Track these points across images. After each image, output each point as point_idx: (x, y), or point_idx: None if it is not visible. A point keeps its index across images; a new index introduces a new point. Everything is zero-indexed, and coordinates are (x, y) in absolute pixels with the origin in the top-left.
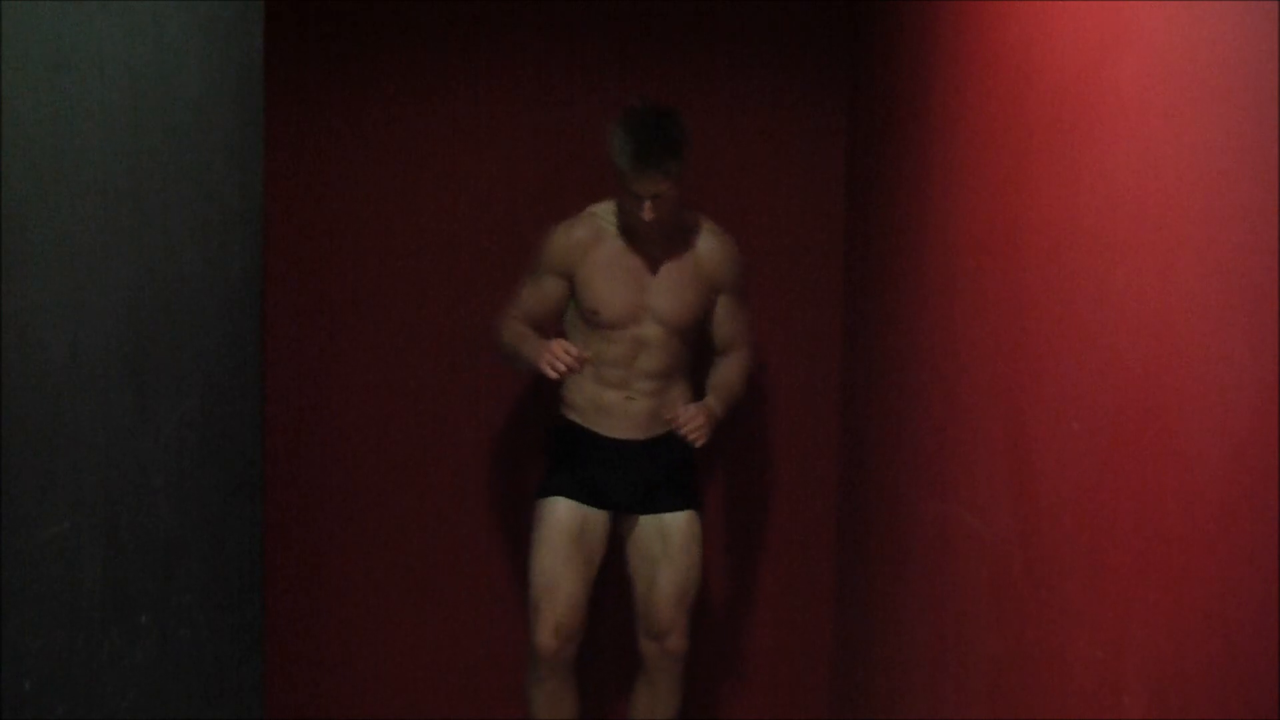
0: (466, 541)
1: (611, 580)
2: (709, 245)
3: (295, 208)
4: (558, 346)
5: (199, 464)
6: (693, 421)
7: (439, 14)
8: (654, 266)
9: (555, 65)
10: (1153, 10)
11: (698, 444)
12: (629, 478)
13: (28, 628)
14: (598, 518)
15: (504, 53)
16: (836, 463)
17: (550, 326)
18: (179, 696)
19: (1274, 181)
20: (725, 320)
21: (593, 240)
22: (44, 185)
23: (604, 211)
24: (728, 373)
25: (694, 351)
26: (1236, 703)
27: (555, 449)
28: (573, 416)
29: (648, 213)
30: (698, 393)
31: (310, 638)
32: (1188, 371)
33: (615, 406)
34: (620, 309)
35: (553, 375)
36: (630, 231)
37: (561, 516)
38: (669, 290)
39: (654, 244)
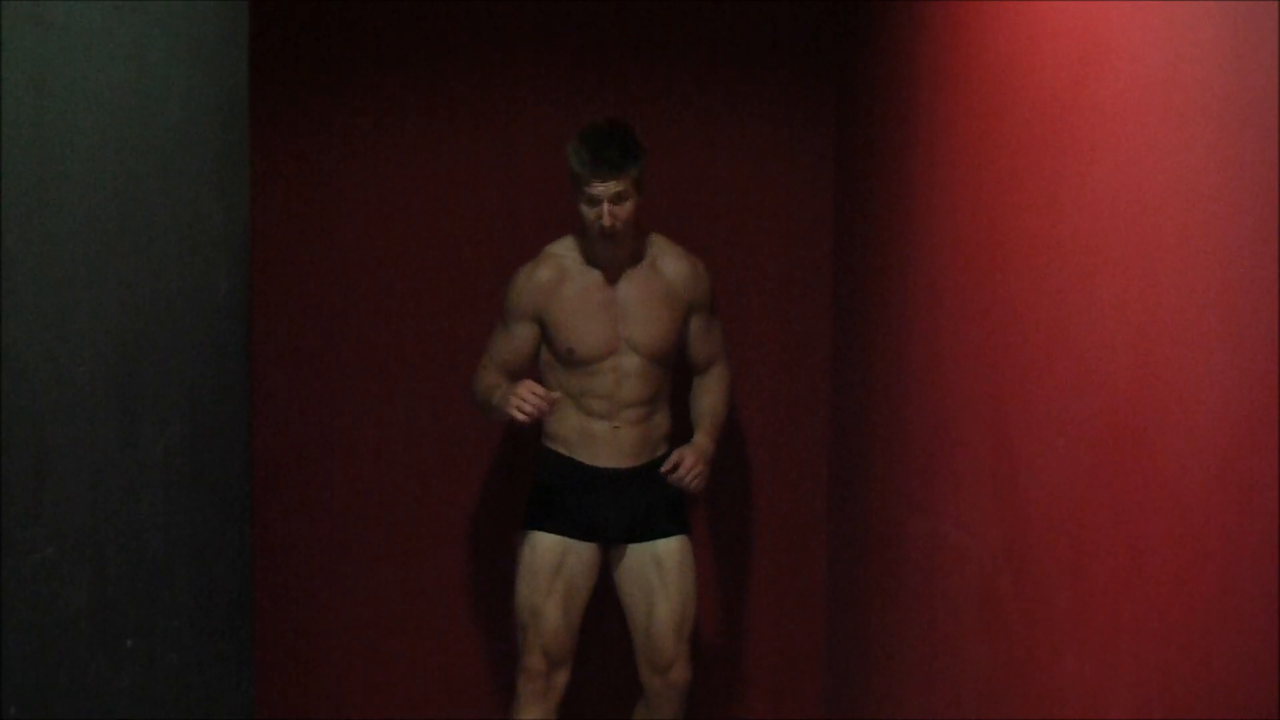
0: (458, 560)
1: (599, 611)
2: (675, 268)
3: (282, 230)
4: (524, 389)
5: (186, 488)
6: (692, 470)
7: (425, 33)
8: (623, 297)
9: (542, 84)
10: (1136, 24)
11: (698, 489)
12: (618, 508)
13: (13, 653)
14: (583, 550)
15: (490, 69)
16: (827, 478)
17: (525, 374)
18: None
19: (1258, 194)
20: (700, 339)
21: (557, 280)
22: (28, 210)
23: (563, 249)
24: (711, 398)
25: (672, 375)
26: (1221, 714)
27: (539, 481)
28: (558, 448)
29: (607, 217)
30: (678, 415)
31: (301, 660)
32: (1173, 386)
33: (602, 436)
34: (595, 345)
35: (521, 419)
36: (592, 257)
37: (543, 550)
38: (642, 319)
39: (619, 271)
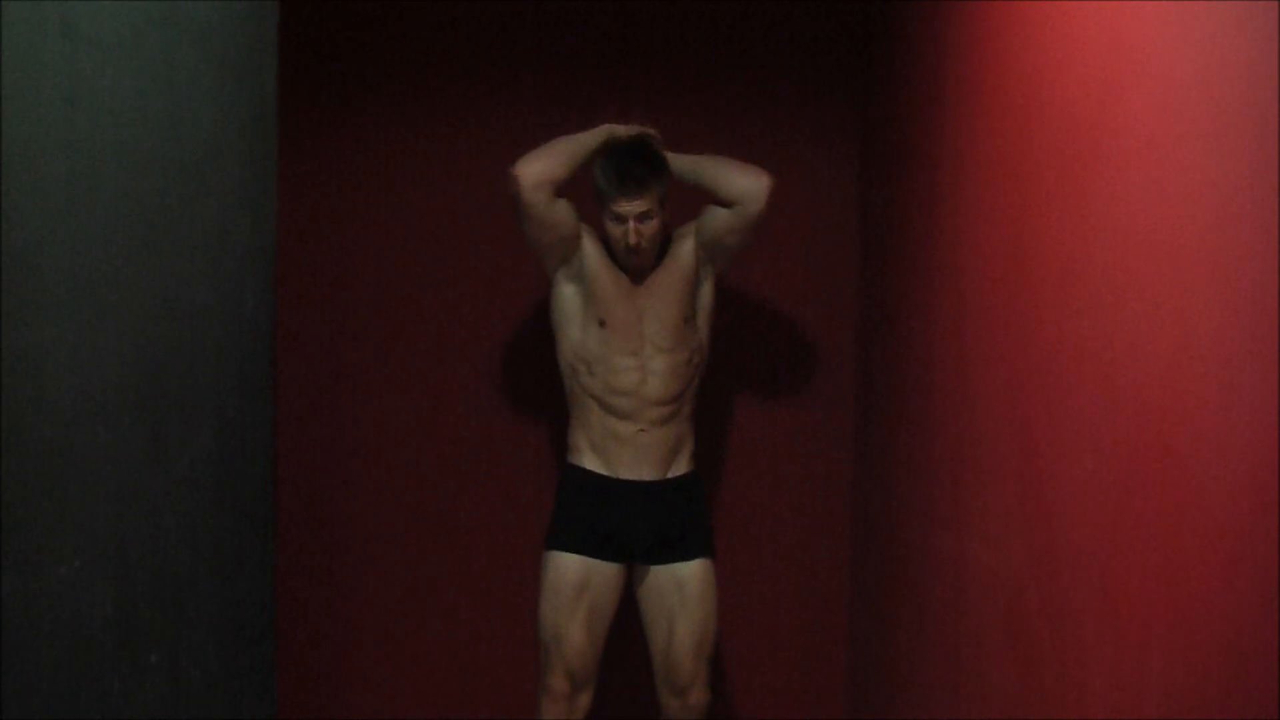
0: (482, 575)
1: (622, 630)
2: (678, 245)
3: (308, 243)
4: None
5: (211, 502)
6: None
7: (450, 46)
8: (644, 302)
9: (564, 94)
10: (1163, 41)
11: None
12: (641, 526)
13: (36, 665)
14: (607, 570)
15: (515, 80)
16: (851, 497)
17: (553, 222)
18: None
19: None
20: (713, 214)
21: (599, 246)
22: (56, 223)
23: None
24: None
25: (698, 390)
26: None
27: (563, 498)
28: (583, 463)
29: (633, 235)
30: (703, 434)
31: (324, 674)
32: (1204, 401)
33: (627, 438)
34: (621, 327)
35: None
36: (622, 264)
37: (566, 570)
38: (661, 316)
39: (642, 279)
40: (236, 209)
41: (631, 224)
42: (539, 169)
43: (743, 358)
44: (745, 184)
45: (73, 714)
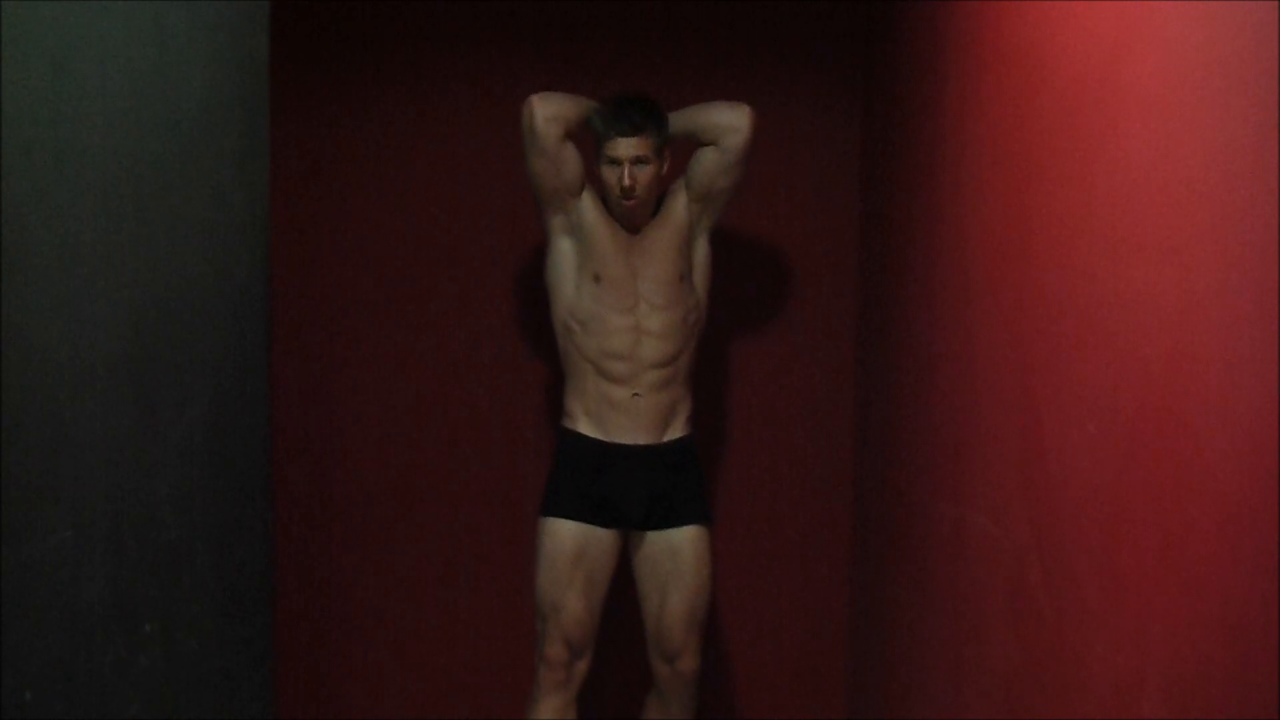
0: (477, 546)
1: (619, 596)
2: (670, 201)
3: (301, 211)
4: None
5: (206, 471)
6: None
7: (445, 16)
8: (638, 260)
9: (565, 70)
10: (1168, 7)
11: None
12: (637, 491)
13: (29, 637)
14: (603, 537)
15: (512, 55)
16: (852, 467)
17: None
18: (185, 707)
19: None
20: (702, 159)
21: (599, 203)
22: (45, 188)
23: None
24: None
25: (696, 341)
26: (1257, 708)
27: (558, 464)
28: (578, 427)
29: (627, 177)
30: (701, 398)
31: (320, 646)
32: (1206, 372)
33: (622, 403)
34: (617, 282)
35: None
36: (617, 216)
37: (563, 538)
38: (653, 273)
39: (637, 234)
40: (229, 175)
41: (626, 167)
42: (556, 103)
43: (743, 324)
44: (726, 116)
45: (66, 685)
